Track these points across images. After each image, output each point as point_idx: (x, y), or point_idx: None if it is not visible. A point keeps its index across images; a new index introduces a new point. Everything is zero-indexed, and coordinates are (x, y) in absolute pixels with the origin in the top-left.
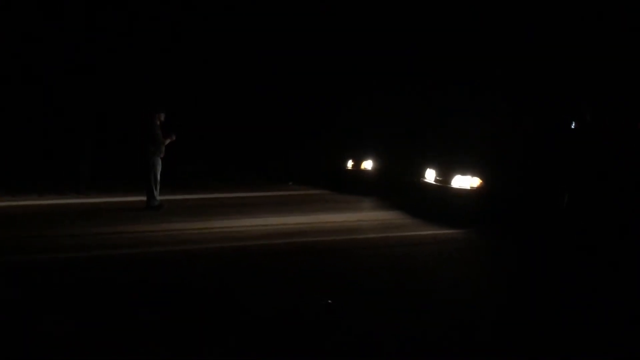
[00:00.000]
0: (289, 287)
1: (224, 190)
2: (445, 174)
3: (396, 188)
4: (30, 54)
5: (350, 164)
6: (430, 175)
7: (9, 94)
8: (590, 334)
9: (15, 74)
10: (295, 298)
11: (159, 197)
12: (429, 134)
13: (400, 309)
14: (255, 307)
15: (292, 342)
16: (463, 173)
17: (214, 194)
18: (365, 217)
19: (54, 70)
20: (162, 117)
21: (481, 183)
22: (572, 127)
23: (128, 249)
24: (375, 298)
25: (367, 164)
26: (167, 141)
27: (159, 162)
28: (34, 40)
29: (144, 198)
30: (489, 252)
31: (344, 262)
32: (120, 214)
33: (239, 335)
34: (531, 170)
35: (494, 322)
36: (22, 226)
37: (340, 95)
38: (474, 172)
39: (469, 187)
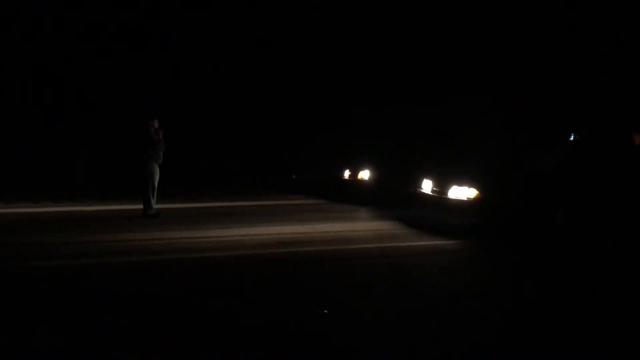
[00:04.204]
0: (284, 297)
1: (220, 199)
2: (442, 185)
3: (393, 198)
4: (27, 54)
5: (347, 173)
6: (427, 186)
7: (5, 98)
8: (590, 337)
9: (12, 76)
10: (291, 308)
11: (155, 206)
12: (426, 145)
13: (398, 318)
14: (249, 316)
15: (288, 351)
16: (460, 184)
17: (211, 203)
18: (361, 227)
19: (52, 71)
20: (156, 123)
21: (478, 194)
22: (571, 138)
23: (123, 257)
24: (372, 308)
25: (364, 174)
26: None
27: (157, 169)
28: (30, 40)
29: (140, 206)
30: (487, 262)
31: (340, 271)
32: (116, 221)
33: (233, 344)
34: (528, 181)
35: (494, 329)
36: (17, 234)
37: (337, 104)
38: (471, 183)
39: (465, 198)
